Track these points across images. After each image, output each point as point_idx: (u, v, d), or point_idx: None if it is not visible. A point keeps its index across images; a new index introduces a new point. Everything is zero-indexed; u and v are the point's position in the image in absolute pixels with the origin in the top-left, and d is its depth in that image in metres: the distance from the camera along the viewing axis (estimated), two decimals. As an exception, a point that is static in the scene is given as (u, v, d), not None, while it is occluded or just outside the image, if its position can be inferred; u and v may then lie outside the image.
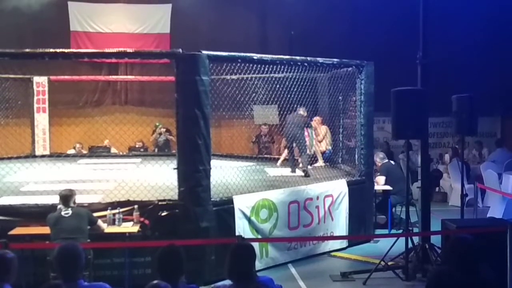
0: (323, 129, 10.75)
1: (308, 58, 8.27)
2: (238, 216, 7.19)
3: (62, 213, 6.16)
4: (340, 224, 8.50)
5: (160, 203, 6.90)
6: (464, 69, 13.78)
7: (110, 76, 14.64)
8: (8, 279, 3.80)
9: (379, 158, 10.14)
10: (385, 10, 13.72)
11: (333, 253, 8.28)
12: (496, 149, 13.42)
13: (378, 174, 9.96)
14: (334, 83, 9.41)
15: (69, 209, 6.19)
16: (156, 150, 13.80)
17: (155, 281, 3.50)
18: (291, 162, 10.02)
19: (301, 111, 9.46)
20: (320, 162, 10.59)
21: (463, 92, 7.99)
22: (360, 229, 8.83)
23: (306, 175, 9.34)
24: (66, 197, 6.28)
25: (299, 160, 10.70)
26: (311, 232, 8.03)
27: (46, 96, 12.84)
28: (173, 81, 7.09)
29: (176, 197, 6.94)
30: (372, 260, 7.69)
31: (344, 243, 8.49)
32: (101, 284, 3.93)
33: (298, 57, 8.26)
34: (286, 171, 9.83)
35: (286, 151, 10.96)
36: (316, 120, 10.51)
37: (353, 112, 9.29)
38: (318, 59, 8.41)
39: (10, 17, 13.73)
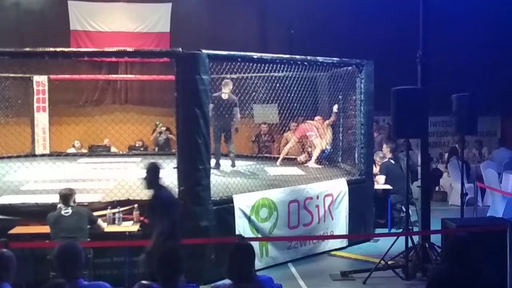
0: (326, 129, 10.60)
1: (308, 57, 8.27)
2: (238, 215, 7.19)
3: (62, 212, 6.16)
4: (340, 223, 8.50)
5: (160, 202, 6.88)
6: (464, 68, 13.79)
7: (110, 75, 14.64)
8: (7, 277, 3.80)
9: (379, 158, 10.15)
10: (385, 9, 13.71)
11: (333, 252, 8.29)
12: (499, 148, 13.45)
13: (378, 173, 9.97)
14: (334, 82, 9.41)
15: (69, 208, 6.20)
16: (156, 149, 13.80)
17: (146, 282, 3.49)
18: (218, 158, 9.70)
19: (227, 89, 9.17)
20: (312, 162, 10.52)
21: (463, 91, 7.99)
22: (360, 228, 8.83)
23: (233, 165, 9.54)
24: (66, 196, 6.28)
25: (301, 158, 10.68)
26: (311, 231, 8.03)
27: (46, 95, 12.82)
28: (173, 80, 7.09)
29: (176, 196, 6.93)
30: (372, 259, 7.70)
31: (344, 242, 8.49)
32: (101, 283, 3.94)
33: (298, 56, 8.26)
34: (286, 170, 9.83)
35: (285, 149, 10.94)
36: (318, 120, 10.41)
37: (352, 111, 9.29)
38: (318, 58, 8.41)
39: (10, 16, 13.74)
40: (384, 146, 10.38)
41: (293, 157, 11.11)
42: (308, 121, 10.31)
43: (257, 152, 12.60)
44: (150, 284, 3.49)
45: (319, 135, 10.40)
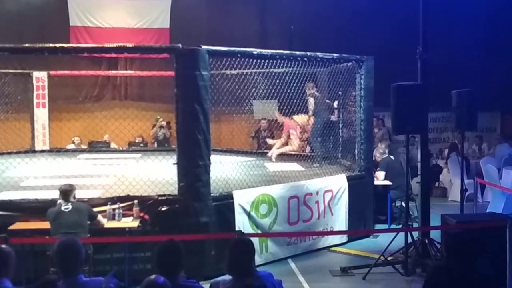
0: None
1: (308, 53, 8.26)
2: (238, 211, 7.19)
3: (62, 208, 6.16)
4: (340, 219, 8.51)
5: (160, 198, 6.90)
6: (464, 64, 13.76)
7: (110, 71, 14.62)
8: (7, 273, 3.80)
9: (379, 153, 10.14)
10: (385, 5, 13.69)
11: (332, 248, 8.29)
12: (502, 143, 13.46)
13: (378, 169, 9.97)
14: (334, 78, 9.39)
15: (69, 204, 6.19)
16: (155, 144, 13.80)
17: (152, 276, 3.49)
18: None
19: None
20: (274, 152, 10.64)
21: (463, 87, 7.98)
22: (359, 224, 8.84)
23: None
24: (66, 192, 6.28)
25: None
26: (310, 227, 8.03)
27: (46, 91, 12.82)
28: (173, 76, 7.08)
29: (176, 192, 6.95)
30: (372, 255, 7.70)
31: (343, 238, 8.50)
32: (100, 279, 3.94)
33: (297, 52, 8.25)
34: (286, 166, 9.83)
35: (284, 148, 10.95)
36: (309, 87, 9.88)
37: (352, 107, 9.28)
38: (317, 54, 8.39)
39: (10, 12, 13.71)
40: (379, 144, 10.38)
41: (294, 152, 11.12)
42: (295, 116, 10.29)
43: (257, 148, 12.59)
44: (157, 276, 3.49)
45: (300, 136, 10.44)
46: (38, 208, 6.55)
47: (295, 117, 10.25)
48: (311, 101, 9.66)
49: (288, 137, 10.72)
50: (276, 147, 10.84)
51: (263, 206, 7.50)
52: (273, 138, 12.79)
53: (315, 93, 9.63)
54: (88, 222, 6.28)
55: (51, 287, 3.45)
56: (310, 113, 9.82)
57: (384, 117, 13.62)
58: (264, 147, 12.52)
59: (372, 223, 9.23)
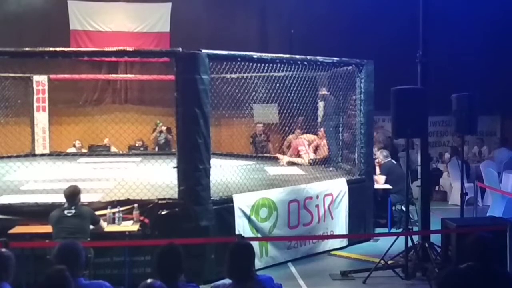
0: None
1: (308, 57, 8.27)
2: (238, 215, 7.19)
3: (65, 212, 6.13)
4: (340, 223, 8.50)
5: (160, 202, 6.89)
6: (464, 67, 13.80)
7: (110, 75, 14.66)
8: (7, 277, 3.79)
9: (383, 156, 10.12)
10: (385, 8, 13.72)
11: (333, 252, 8.28)
12: (500, 148, 13.47)
13: (379, 172, 9.96)
14: (334, 82, 9.40)
15: (73, 208, 6.15)
16: (156, 148, 13.81)
17: (149, 280, 3.48)
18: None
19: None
20: (286, 159, 10.76)
21: (463, 91, 7.99)
22: (360, 228, 8.83)
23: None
24: (72, 194, 6.22)
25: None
26: (311, 231, 8.03)
27: (46, 95, 12.82)
28: (173, 80, 7.09)
29: (176, 196, 6.94)
30: (372, 259, 7.69)
31: (344, 242, 8.49)
32: (100, 282, 3.94)
33: (298, 56, 8.25)
34: (286, 170, 9.83)
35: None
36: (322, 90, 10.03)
37: (352, 111, 9.29)
38: (318, 58, 8.40)
39: (10, 16, 13.74)
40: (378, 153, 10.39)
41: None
42: (304, 135, 10.43)
43: (254, 152, 12.56)
44: (153, 280, 3.48)
45: (308, 150, 10.54)
46: (38, 212, 6.54)
47: (303, 136, 10.41)
48: (320, 105, 9.69)
49: (297, 154, 10.81)
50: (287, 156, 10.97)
51: (263, 210, 7.49)
52: (268, 141, 12.82)
53: (329, 95, 9.66)
54: (92, 227, 6.26)
55: (62, 278, 3.41)
56: (320, 119, 9.86)
57: (385, 121, 13.63)
58: (262, 151, 12.54)
59: (372, 227, 9.22)
